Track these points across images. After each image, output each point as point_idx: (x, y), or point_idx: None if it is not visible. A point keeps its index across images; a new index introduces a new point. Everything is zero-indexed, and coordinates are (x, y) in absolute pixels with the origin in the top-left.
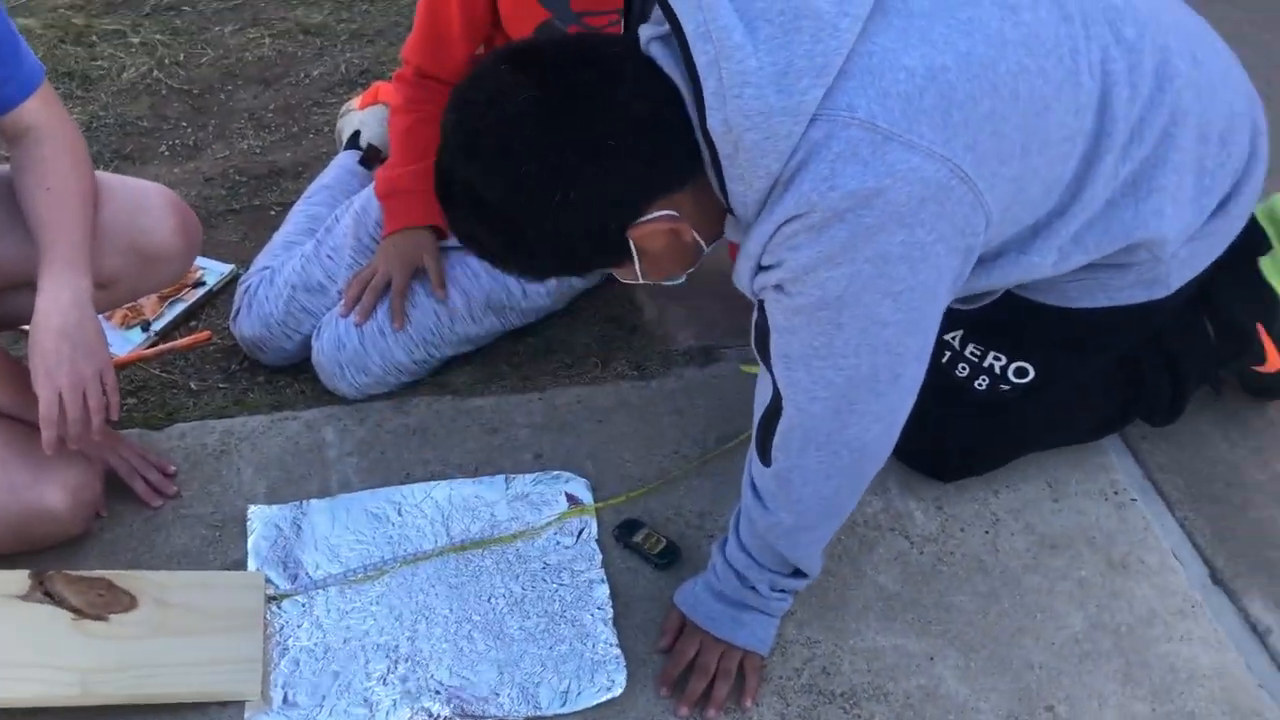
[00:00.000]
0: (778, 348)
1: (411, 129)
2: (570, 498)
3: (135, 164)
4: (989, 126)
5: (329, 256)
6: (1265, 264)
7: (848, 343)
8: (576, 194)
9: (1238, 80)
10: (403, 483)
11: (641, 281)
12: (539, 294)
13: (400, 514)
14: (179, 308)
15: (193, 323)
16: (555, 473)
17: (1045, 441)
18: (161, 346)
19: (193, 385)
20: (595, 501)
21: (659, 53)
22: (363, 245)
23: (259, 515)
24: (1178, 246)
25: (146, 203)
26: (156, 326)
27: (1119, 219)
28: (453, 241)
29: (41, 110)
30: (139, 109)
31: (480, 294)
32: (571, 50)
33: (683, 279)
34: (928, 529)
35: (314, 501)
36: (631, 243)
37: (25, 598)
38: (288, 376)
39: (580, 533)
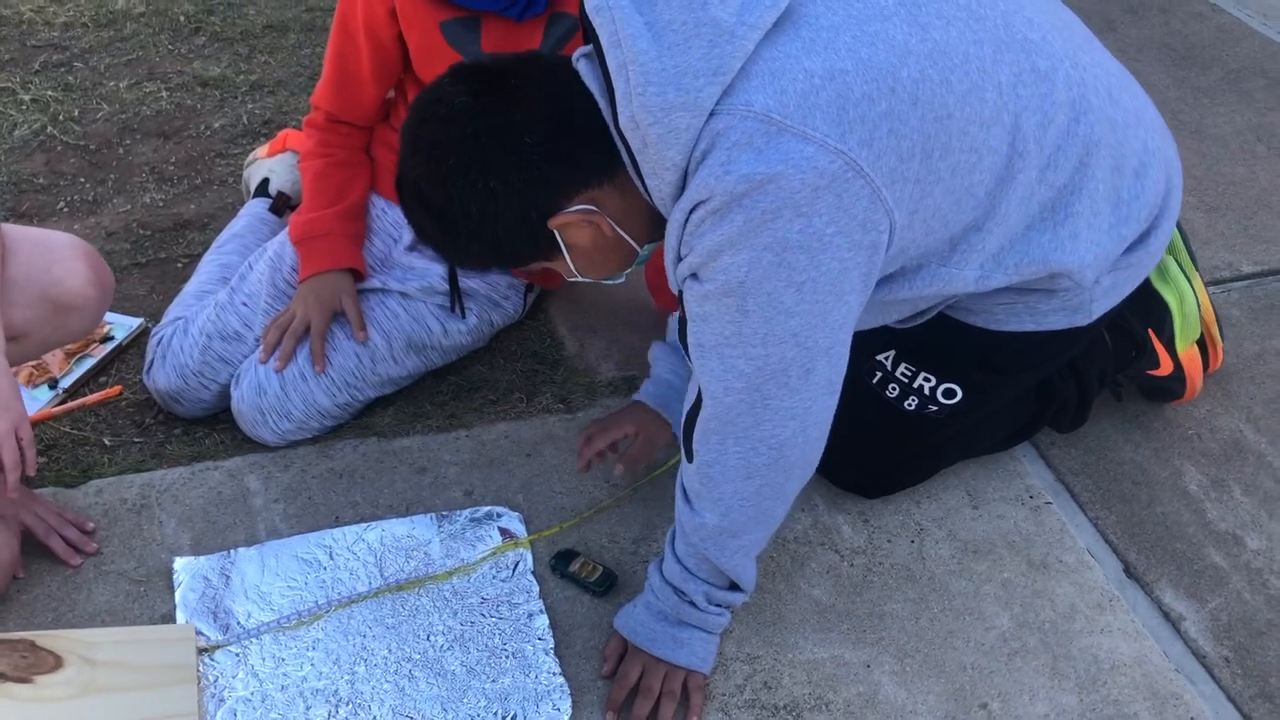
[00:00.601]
0: (693, 336)
1: (324, 173)
2: (504, 532)
3: (33, 221)
4: (886, 125)
5: (244, 304)
6: (1152, 275)
7: (755, 331)
8: (497, 183)
9: (1152, 119)
10: (332, 526)
11: (580, 279)
12: (459, 332)
13: (332, 557)
14: (87, 363)
15: (102, 378)
16: (487, 508)
17: (963, 454)
18: (71, 404)
19: (106, 441)
20: (529, 534)
21: (583, 67)
22: (278, 291)
23: (185, 567)
24: (1098, 274)
25: (57, 252)
26: (65, 383)
27: (1037, 242)
28: (370, 283)
29: None
30: (34, 166)
31: (401, 334)
32: (505, 64)
33: (622, 278)
34: (856, 542)
35: (242, 550)
36: (556, 234)
37: None
38: (205, 427)
39: (516, 566)
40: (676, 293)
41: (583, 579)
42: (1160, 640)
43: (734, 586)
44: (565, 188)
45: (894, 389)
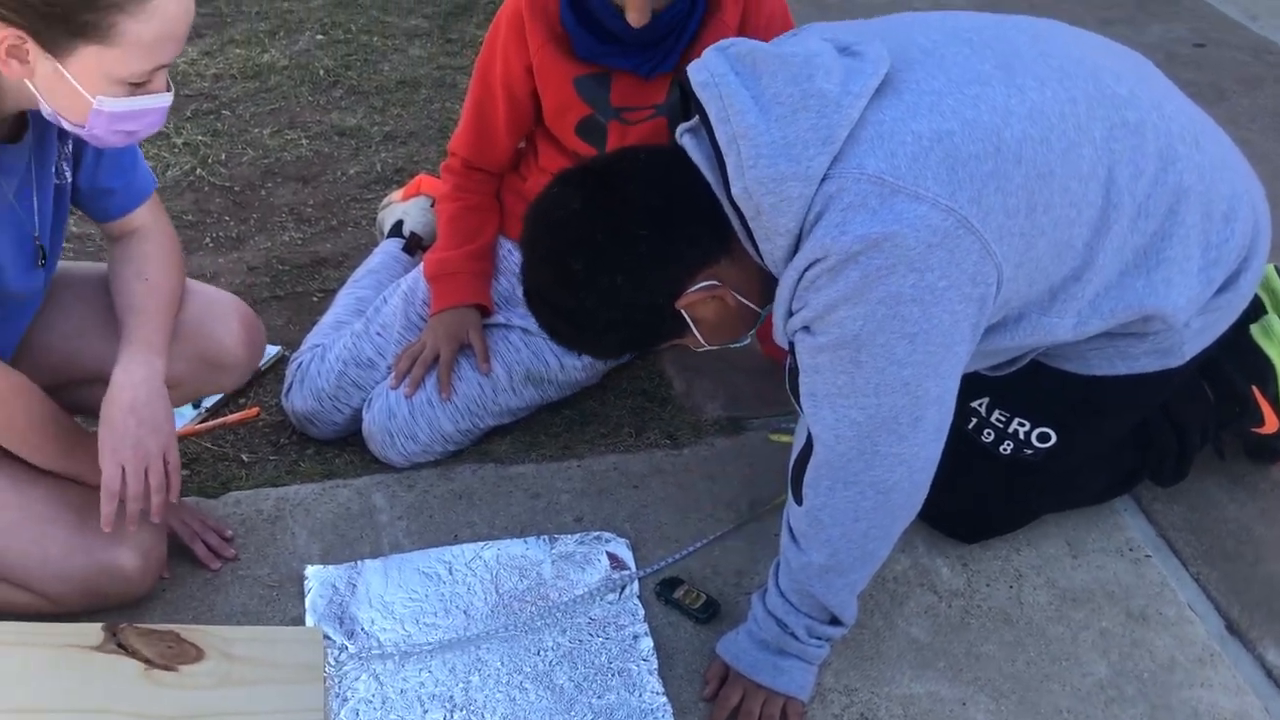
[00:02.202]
0: (805, 386)
1: (457, 215)
2: (612, 557)
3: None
4: (993, 184)
5: (378, 334)
6: (1255, 330)
7: (868, 381)
8: (621, 279)
9: (1236, 164)
10: (451, 544)
11: (708, 348)
12: (575, 368)
13: (451, 573)
14: None
15: (241, 400)
16: (596, 533)
17: (1061, 504)
18: (212, 422)
19: (244, 457)
20: (635, 560)
21: (689, 142)
22: (411, 323)
23: (315, 575)
24: (1189, 317)
25: (217, 311)
26: (207, 403)
27: (1132, 287)
28: (496, 318)
29: (149, 214)
30: (184, 204)
31: (521, 367)
32: (607, 164)
33: (746, 339)
34: (954, 584)
35: (368, 561)
36: (684, 314)
37: (99, 648)
38: (336, 448)
39: (623, 589)
40: (785, 345)
41: (687, 605)
42: (1263, 697)
43: (834, 621)
44: (686, 269)
45: (989, 434)
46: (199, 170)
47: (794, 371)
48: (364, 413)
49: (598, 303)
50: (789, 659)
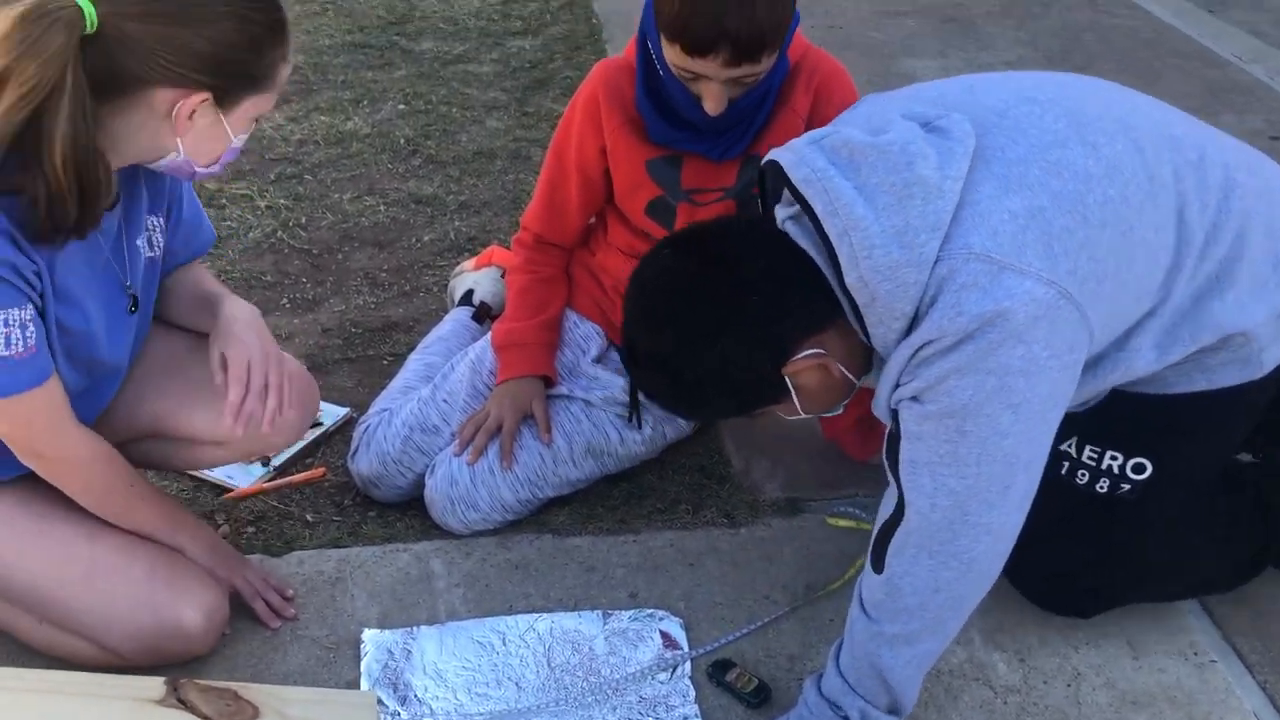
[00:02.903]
0: (906, 453)
1: (527, 288)
2: (665, 636)
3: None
4: (1085, 253)
5: (445, 400)
6: None
7: (970, 451)
8: (729, 343)
9: None
10: (506, 614)
11: (803, 416)
12: (635, 442)
13: (505, 643)
14: (297, 445)
15: (308, 460)
16: (650, 611)
17: (1180, 571)
18: (279, 481)
19: (309, 517)
20: (688, 640)
21: (793, 229)
22: (476, 391)
23: (372, 639)
24: (1267, 325)
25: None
26: (276, 462)
27: (1207, 310)
28: (559, 389)
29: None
30: (263, 265)
31: (582, 439)
32: (715, 230)
33: (840, 409)
34: (1011, 680)
35: (424, 628)
36: (788, 380)
37: (160, 702)
38: (398, 512)
39: (675, 669)
40: (884, 413)
41: (738, 689)
42: None
43: (891, 709)
44: (794, 336)
45: (1083, 475)
46: (280, 233)
47: (893, 439)
48: (427, 478)
49: (703, 365)
50: None
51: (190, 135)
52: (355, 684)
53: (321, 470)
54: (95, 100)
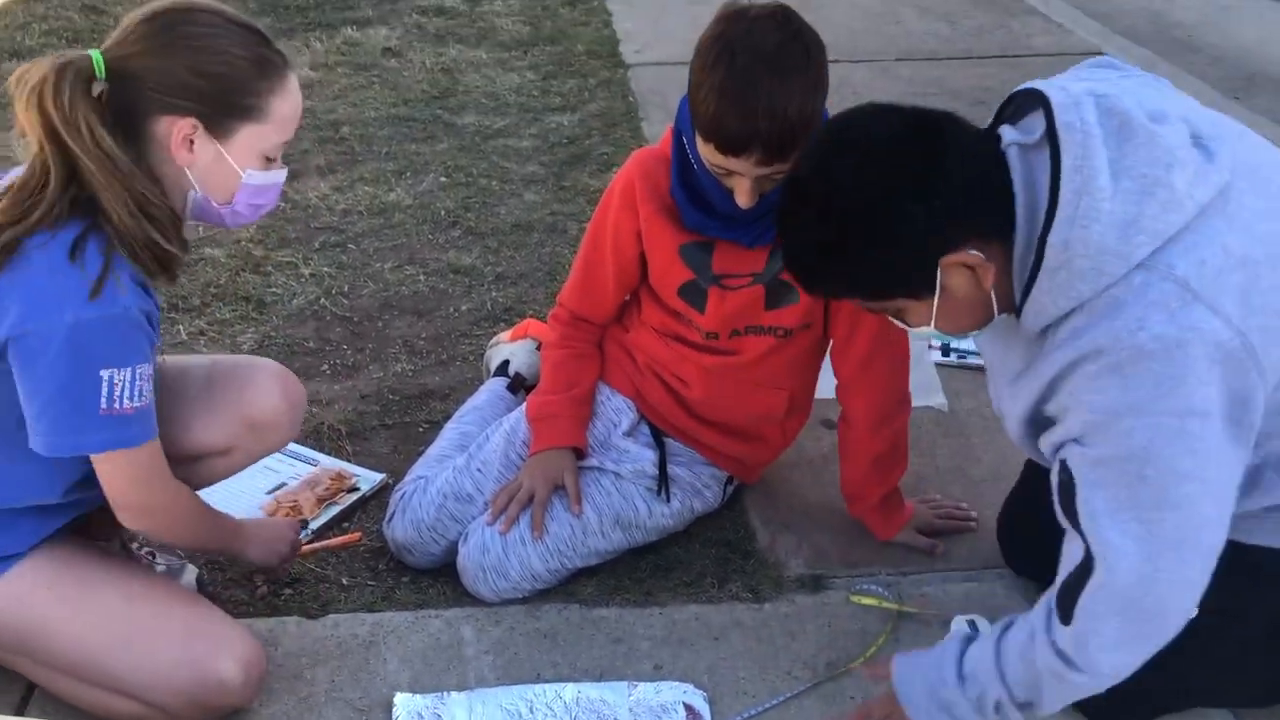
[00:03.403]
0: (1085, 503)
1: (562, 362)
2: (689, 708)
3: (300, 378)
4: (1277, 321)
5: (479, 470)
6: None
7: (1151, 497)
8: (910, 203)
9: None
10: (534, 682)
11: (931, 328)
12: (662, 514)
13: (531, 710)
14: (334, 510)
15: (345, 524)
16: (675, 683)
17: (1220, 693)
18: (317, 544)
19: (344, 581)
20: (711, 714)
21: (1015, 157)
22: (510, 461)
23: (403, 703)
24: None
25: (253, 377)
26: (314, 525)
27: None
28: (589, 462)
29: None
30: (305, 331)
31: (611, 511)
32: (942, 113)
33: (967, 339)
34: None
35: (453, 694)
36: (940, 272)
37: None
38: (430, 578)
39: None
40: (1021, 422)
41: None
42: None
43: (1025, 705)
44: (969, 231)
45: None
46: (323, 300)
47: (1064, 489)
48: (460, 546)
49: (878, 220)
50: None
51: (197, 167)
52: None
53: (358, 535)
54: (126, 140)
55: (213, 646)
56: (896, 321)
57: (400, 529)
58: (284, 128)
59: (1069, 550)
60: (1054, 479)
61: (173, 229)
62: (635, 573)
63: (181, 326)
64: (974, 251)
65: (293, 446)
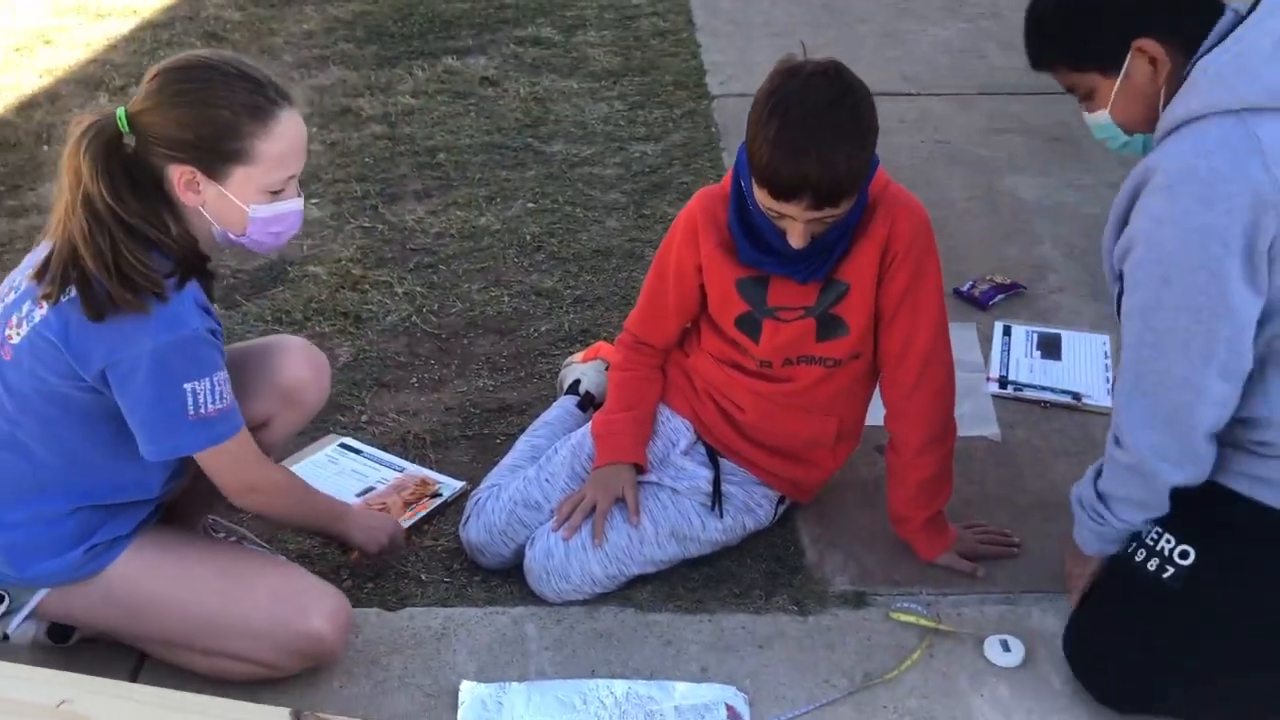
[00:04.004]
0: (1126, 303)
1: (626, 384)
2: (730, 709)
3: (390, 390)
4: None
5: (547, 480)
6: None
7: (1171, 299)
8: None
9: None
10: (588, 677)
11: (1106, 114)
12: (715, 529)
13: (584, 703)
14: (420, 515)
15: (426, 527)
16: (720, 686)
17: (1229, 682)
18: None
19: (422, 577)
20: (751, 715)
21: (1228, 18)
22: (575, 473)
23: (469, 691)
24: None
25: (278, 351)
26: (409, 524)
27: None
28: (649, 477)
29: None
30: (397, 346)
31: (667, 523)
32: None
33: (1134, 146)
34: None
35: (514, 684)
36: (1129, 57)
37: None
38: (500, 578)
39: None
40: (1108, 259)
41: None
42: None
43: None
44: (1165, 27)
45: (1141, 552)
46: (414, 317)
47: (1120, 295)
48: (527, 550)
49: None
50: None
51: (208, 206)
52: None
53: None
54: (152, 187)
55: (300, 606)
56: (1086, 116)
57: (474, 532)
58: (278, 165)
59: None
60: (1114, 289)
61: (141, 280)
62: (688, 582)
63: None
64: (1159, 45)
65: (380, 454)
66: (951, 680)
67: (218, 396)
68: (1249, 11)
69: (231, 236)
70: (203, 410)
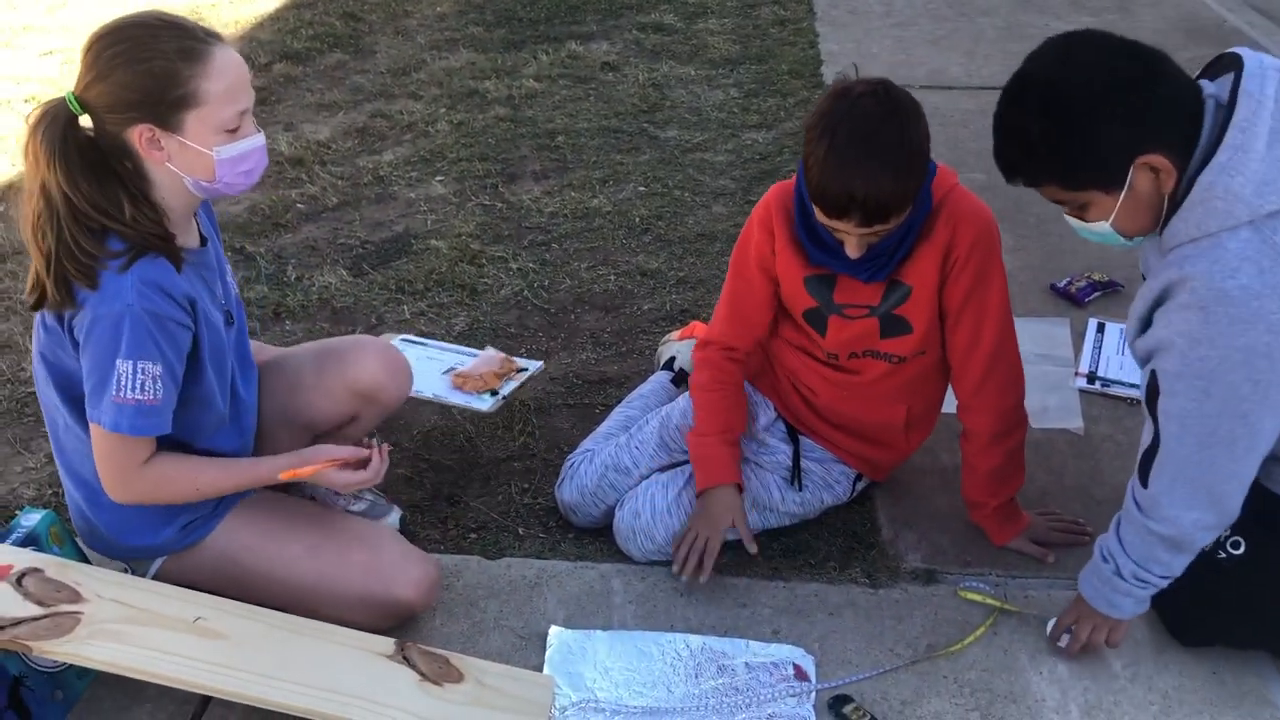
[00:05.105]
0: (1164, 405)
1: (717, 407)
2: (797, 668)
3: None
4: None
5: (636, 448)
6: None
7: (1214, 409)
8: (1126, 96)
9: None
10: (666, 630)
11: (1109, 224)
12: (794, 502)
13: (662, 654)
14: (511, 385)
15: (525, 485)
16: (790, 646)
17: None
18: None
19: (520, 531)
20: (817, 675)
21: (1210, 109)
22: (663, 443)
23: (556, 635)
24: None
25: (354, 353)
26: (503, 392)
27: None
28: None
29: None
30: (509, 318)
31: (749, 495)
32: (1152, 48)
33: (1133, 243)
34: None
35: (599, 632)
36: (1132, 172)
37: (390, 657)
38: (590, 536)
39: (802, 697)
40: (1132, 346)
41: None
42: None
43: (1141, 565)
44: (1163, 141)
45: None
46: (525, 292)
47: (1151, 391)
48: (616, 510)
49: (1094, 115)
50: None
51: (174, 160)
52: (539, 668)
53: (313, 469)
54: (120, 159)
55: (387, 579)
56: (1072, 221)
57: (568, 492)
58: (226, 101)
59: (1145, 432)
60: (1143, 381)
61: (83, 248)
62: (766, 550)
63: (406, 306)
64: (1162, 157)
65: (442, 344)
66: (1012, 656)
67: (137, 386)
68: (1229, 106)
69: (205, 184)
70: (122, 394)
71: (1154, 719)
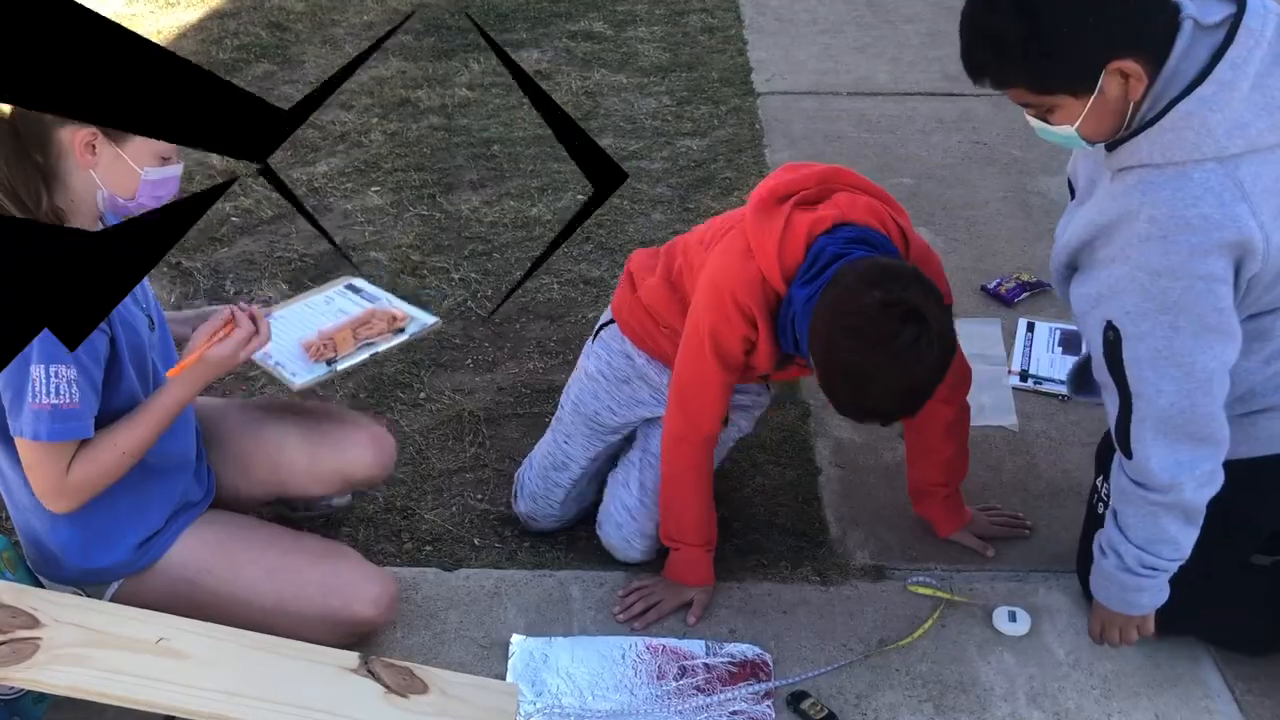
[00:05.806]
0: (1130, 353)
1: (701, 511)
2: (756, 666)
3: (447, 370)
4: None
5: (566, 441)
6: None
7: (1184, 345)
8: (1102, 14)
9: None
10: (628, 635)
11: (1074, 127)
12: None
13: (623, 658)
14: (368, 351)
15: (480, 496)
16: (745, 645)
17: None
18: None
19: (475, 542)
20: (774, 673)
21: (1186, 29)
22: (591, 430)
23: (518, 643)
24: None
25: (354, 439)
26: (340, 365)
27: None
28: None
29: None
30: (453, 330)
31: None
32: None
33: (1093, 147)
34: None
35: (560, 639)
36: (1103, 76)
37: (355, 671)
38: (547, 544)
39: (760, 695)
40: (1061, 283)
41: (811, 715)
42: None
43: (1147, 549)
44: (1136, 46)
45: (1100, 505)
46: (469, 302)
47: (1112, 346)
48: (599, 533)
49: (1068, 16)
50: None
51: (100, 168)
52: (502, 677)
53: (196, 356)
54: (44, 159)
55: (346, 598)
56: (1035, 121)
57: (522, 504)
58: None
59: (1109, 404)
60: (1097, 341)
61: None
62: (719, 553)
63: None
64: (1134, 63)
65: (379, 292)
66: (961, 648)
67: (52, 390)
68: (1225, 44)
69: (120, 201)
70: (39, 400)
71: (1095, 702)
